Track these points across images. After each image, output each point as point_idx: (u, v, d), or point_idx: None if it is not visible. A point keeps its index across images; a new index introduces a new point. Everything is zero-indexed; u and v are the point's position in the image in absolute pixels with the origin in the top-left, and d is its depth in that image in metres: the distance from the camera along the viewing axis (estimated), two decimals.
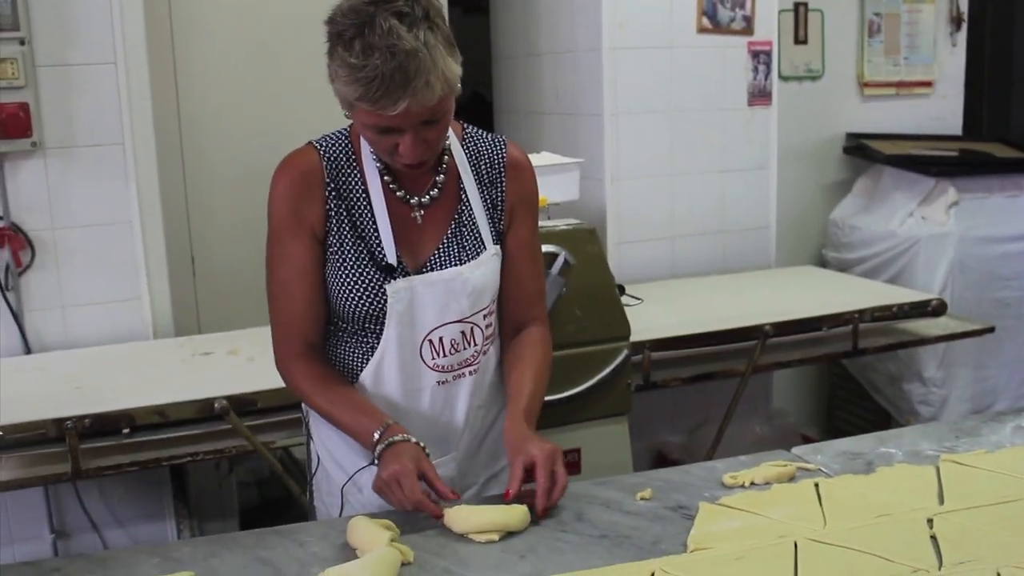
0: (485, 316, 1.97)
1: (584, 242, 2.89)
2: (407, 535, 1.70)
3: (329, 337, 1.99)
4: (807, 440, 3.94)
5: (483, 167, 1.99)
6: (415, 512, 1.73)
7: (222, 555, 1.69)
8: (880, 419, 4.45)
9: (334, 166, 1.92)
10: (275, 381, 2.57)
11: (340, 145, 1.94)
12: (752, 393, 3.85)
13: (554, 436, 2.79)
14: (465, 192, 1.97)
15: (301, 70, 3.75)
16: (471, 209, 1.96)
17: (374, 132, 1.78)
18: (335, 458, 2.02)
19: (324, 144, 1.94)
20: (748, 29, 4.06)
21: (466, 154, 1.99)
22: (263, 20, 3.94)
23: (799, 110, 4.57)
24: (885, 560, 1.55)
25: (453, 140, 1.98)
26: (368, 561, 1.57)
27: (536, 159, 2.81)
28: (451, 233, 1.95)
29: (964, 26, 4.91)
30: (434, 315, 1.92)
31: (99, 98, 3.21)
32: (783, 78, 4.47)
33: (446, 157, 1.96)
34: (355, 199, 1.91)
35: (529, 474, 1.79)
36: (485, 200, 1.98)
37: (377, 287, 1.88)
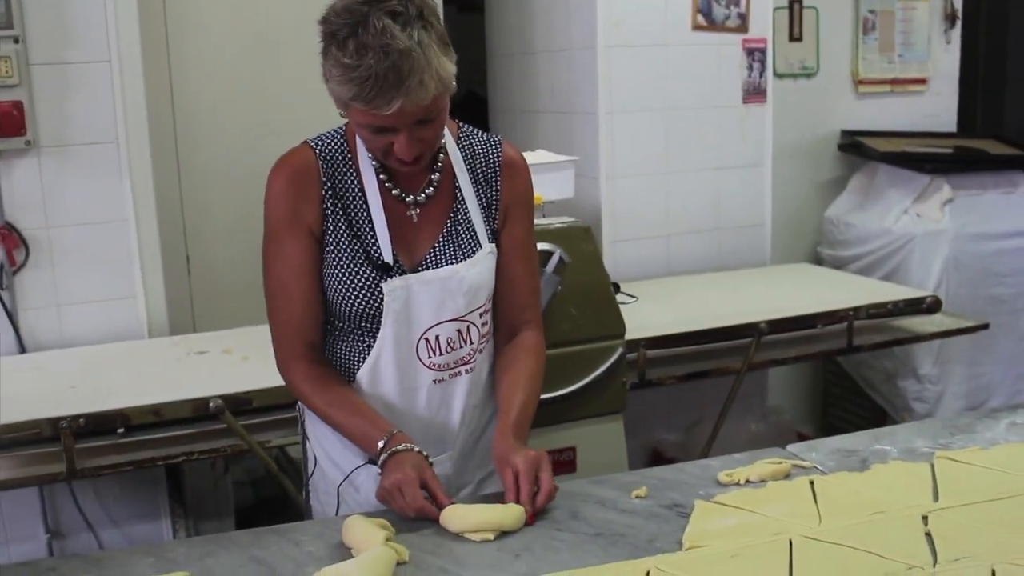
0: (481, 315, 1.97)
1: (579, 240, 2.89)
2: (402, 534, 1.70)
3: (326, 336, 1.99)
4: (802, 437, 3.95)
5: (478, 166, 1.99)
6: (417, 518, 1.73)
7: (218, 555, 1.69)
8: (875, 416, 4.46)
9: (330, 165, 1.91)
10: (270, 380, 2.58)
11: (336, 144, 1.94)
12: (747, 391, 3.85)
13: (549, 435, 2.81)
14: (460, 191, 1.97)
15: (296, 67, 3.75)
16: (466, 208, 1.96)
17: (368, 131, 1.78)
18: (331, 458, 2.01)
19: (320, 143, 1.94)
20: (743, 26, 4.06)
21: (461, 153, 1.99)
22: (258, 17, 3.94)
23: (794, 107, 4.57)
24: (880, 557, 1.56)
25: (448, 139, 1.98)
26: (363, 560, 1.57)
27: (531, 157, 2.81)
28: (447, 232, 1.95)
29: (958, 23, 4.92)
30: (430, 313, 1.92)
31: (93, 96, 3.21)
32: (778, 75, 4.48)
33: (441, 156, 1.96)
34: (351, 198, 1.91)
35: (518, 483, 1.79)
36: (480, 199, 1.98)
37: (373, 285, 1.88)
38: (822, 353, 3.59)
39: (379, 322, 1.90)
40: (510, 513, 1.72)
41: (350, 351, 1.96)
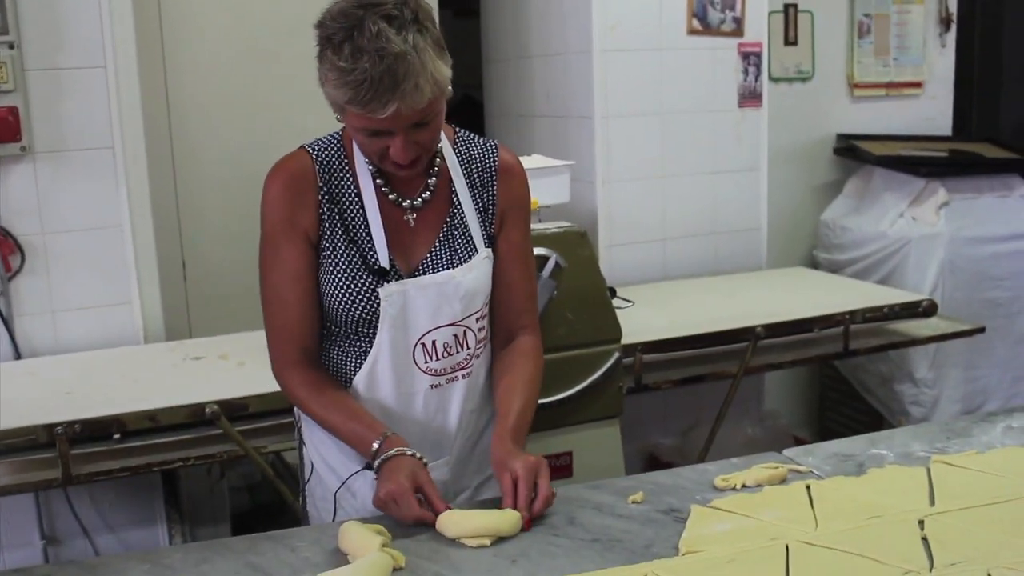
0: (478, 319, 1.97)
1: (575, 245, 2.89)
2: (399, 540, 1.70)
3: (322, 342, 1.99)
4: (799, 441, 3.95)
5: (475, 171, 2.00)
6: (415, 525, 1.73)
7: (214, 561, 1.69)
8: (872, 420, 4.46)
9: (327, 170, 1.92)
10: (266, 386, 2.57)
11: (333, 149, 1.94)
12: (744, 395, 3.85)
13: (546, 439, 2.81)
14: (457, 195, 1.97)
15: (292, 73, 3.75)
16: (463, 212, 1.96)
17: (364, 135, 1.79)
18: (328, 463, 2.01)
19: (316, 148, 1.94)
20: (738, 31, 4.07)
21: (458, 158, 1.99)
22: (254, 23, 3.94)
23: (789, 111, 4.58)
24: (877, 562, 1.56)
25: (445, 144, 1.98)
26: (359, 566, 1.57)
27: (527, 162, 2.81)
28: (443, 236, 1.95)
29: (953, 27, 4.93)
30: (427, 318, 1.92)
31: (89, 102, 3.20)
32: (773, 79, 4.48)
33: (438, 160, 1.97)
34: (348, 202, 1.91)
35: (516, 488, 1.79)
36: (477, 203, 1.98)
37: (370, 290, 1.88)
38: (818, 357, 3.59)
39: (376, 327, 1.90)
40: (507, 519, 1.72)
41: (347, 356, 1.95)
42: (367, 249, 1.90)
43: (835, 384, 4.72)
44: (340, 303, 1.89)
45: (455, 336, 1.94)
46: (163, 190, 3.69)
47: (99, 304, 3.28)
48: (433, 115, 1.78)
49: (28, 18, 3.09)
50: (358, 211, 1.91)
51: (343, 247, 1.90)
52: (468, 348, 1.97)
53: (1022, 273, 4.37)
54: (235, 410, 2.69)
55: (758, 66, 4.13)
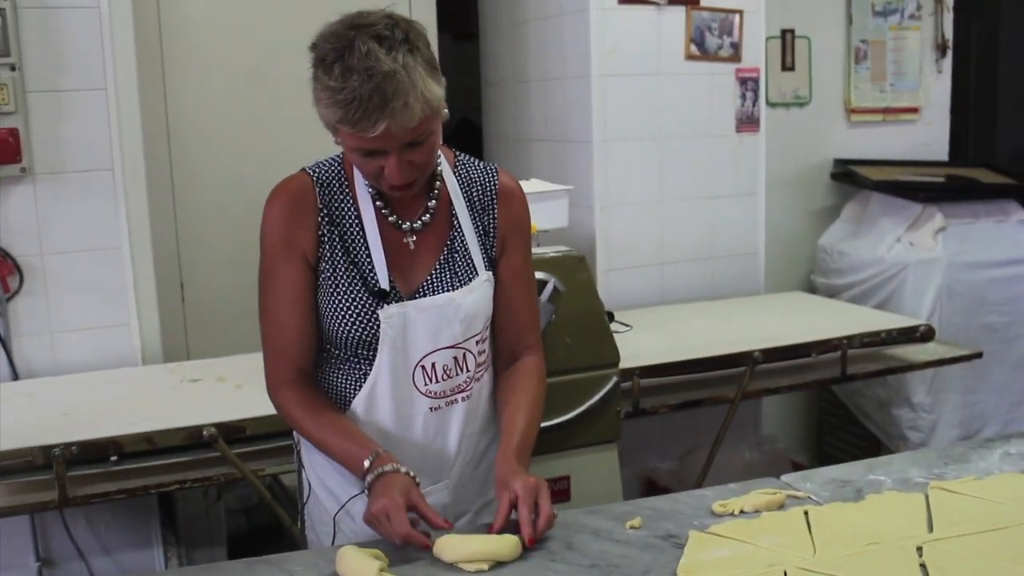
0: (478, 342, 1.98)
1: (573, 269, 2.89)
2: (396, 565, 1.69)
3: (321, 364, 1.99)
4: (797, 466, 3.95)
5: (475, 194, 2.00)
6: (405, 545, 1.73)
7: None
8: (870, 444, 4.46)
9: (327, 192, 1.92)
10: (264, 408, 2.56)
11: (333, 171, 1.95)
12: (741, 419, 3.84)
13: (543, 463, 2.80)
14: (457, 218, 1.98)
15: (291, 96, 3.75)
16: (463, 235, 1.97)
17: (359, 155, 1.80)
18: (327, 487, 2.01)
19: (317, 170, 1.95)
20: (736, 56, 4.09)
21: (458, 181, 2.00)
22: (253, 46, 3.96)
23: (787, 136, 4.59)
24: None
25: (445, 167, 1.99)
26: None
27: (525, 186, 2.80)
28: (443, 259, 1.96)
29: (949, 53, 4.95)
30: (427, 340, 1.92)
31: (89, 124, 3.21)
32: (771, 105, 4.50)
33: (438, 183, 1.97)
34: (348, 224, 1.92)
35: (515, 509, 1.78)
36: (477, 227, 1.99)
37: (370, 312, 1.89)
38: (816, 382, 3.59)
39: (375, 349, 1.90)
40: (505, 543, 1.71)
41: (346, 379, 1.96)
42: (367, 271, 1.90)
43: (833, 409, 4.72)
44: (340, 325, 1.90)
45: (455, 359, 1.94)
46: (162, 212, 3.70)
47: (97, 325, 3.28)
48: (426, 135, 1.79)
49: (29, 40, 3.11)
50: (358, 233, 1.92)
51: (343, 269, 1.90)
52: (468, 371, 1.97)
53: (1019, 298, 4.37)
54: (232, 432, 2.69)
55: (756, 91, 4.15)
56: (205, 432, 2.63)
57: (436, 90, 1.76)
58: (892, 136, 4.89)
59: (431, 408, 1.95)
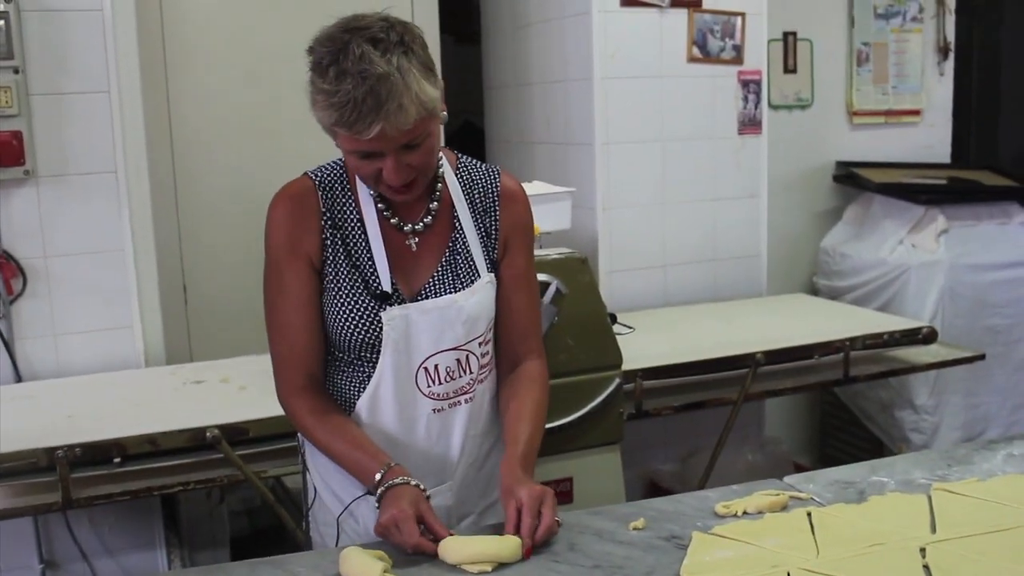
0: (480, 344, 1.98)
1: (576, 271, 2.89)
2: (400, 567, 1.69)
3: (326, 367, 1.99)
4: (799, 468, 3.94)
5: (477, 196, 2.01)
6: (416, 554, 1.73)
7: None
8: (872, 446, 4.46)
9: (329, 195, 1.93)
10: (267, 410, 2.58)
11: (335, 174, 1.95)
12: (744, 421, 3.85)
13: (546, 465, 2.80)
14: (459, 220, 1.98)
15: (295, 98, 3.72)
16: (465, 237, 1.97)
17: (357, 158, 1.80)
18: (331, 489, 2.01)
19: (319, 174, 1.95)
20: (738, 59, 4.09)
21: (460, 183, 2.00)
22: (256, 48, 3.96)
23: (789, 139, 4.60)
24: None
25: (447, 169, 1.99)
26: None
27: (528, 188, 2.81)
28: (446, 261, 1.96)
29: (951, 55, 4.96)
30: (429, 342, 1.92)
31: (92, 126, 3.22)
32: (773, 107, 4.51)
33: (440, 185, 1.98)
34: (350, 227, 1.92)
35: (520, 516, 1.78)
36: (479, 228, 1.99)
37: (372, 315, 1.89)
38: (818, 384, 3.59)
39: (378, 351, 1.90)
40: (507, 545, 1.71)
41: (350, 381, 1.96)
42: (369, 273, 1.90)
43: (835, 411, 4.72)
44: (343, 327, 1.90)
45: (458, 360, 1.95)
46: (165, 214, 3.71)
47: (100, 328, 3.29)
48: (423, 137, 1.79)
49: (32, 43, 3.12)
50: (360, 236, 1.92)
51: (345, 272, 1.91)
52: (471, 372, 1.97)
53: (1022, 300, 4.37)
54: (236, 434, 2.69)
55: (758, 94, 4.16)
56: (208, 434, 2.63)
57: (431, 92, 1.76)
58: (894, 138, 4.90)
59: (434, 410, 1.95)
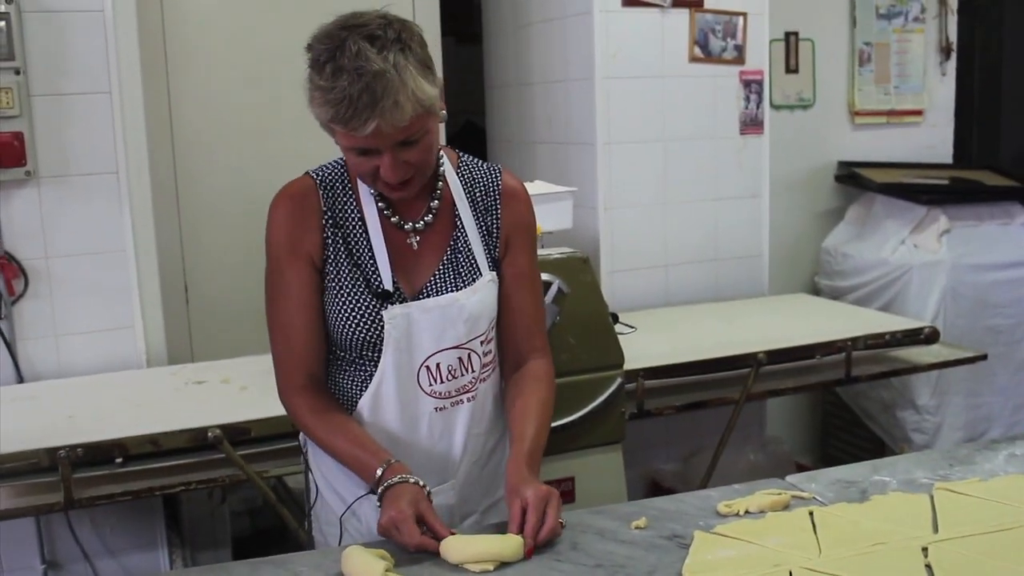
0: (482, 343, 1.98)
1: (577, 271, 2.89)
2: (402, 566, 1.69)
3: (328, 367, 1.99)
4: (801, 468, 3.94)
5: (478, 194, 2.01)
6: (417, 552, 1.73)
7: None
8: (874, 447, 4.45)
9: (330, 194, 1.93)
10: (269, 410, 2.58)
11: (336, 174, 1.96)
12: (746, 421, 3.84)
13: (548, 465, 2.78)
14: (460, 219, 1.98)
15: (295, 98, 3.73)
16: (466, 236, 1.97)
17: (354, 155, 1.81)
18: (334, 488, 2.01)
19: (320, 173, 1.95)
20: (739, 58, 4.09)
21: (461, 182, 2.00)
22: (257, 49, 3.96)
23: (791, 139, 4.60)
24: None
25: (448, 168, 1.99)
26: None
27: (529, 188, 2.81)
28: (447, 260, 1.96)
29: (953, 55, 4.96)
30: (431, 341, 1.92)
31: (93, 127, 3.22)
32: (775, 107, 4.50)
33: (440, 184, 1.98)
34: (351, 226, 1.92)
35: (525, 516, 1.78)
36: (480, 227, 1.99)
37: (374, 314, 1.89)
38: (820, 384, 3.59)
39: (380, 350, 1.90)
40: (509, 544, 1.71)
41: (352, 381, 1.96)
42: (371, 272, 1.90)
43: (837, 411, 4.71)
44: (344, 326, 1.90)
45: (459, 359, 1.95)
46: (166, 215, 3.71)
47: (102, 328, 3.29)
48: (421, 134, 1.79)
49: (34, 44, 3.12)
50: (361, 234, 1.92)
51: (347, 271, 1.90)
52: (473, 371, 1.97)
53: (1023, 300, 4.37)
54: (237, 434, 2.69)
55: (759, 94, 4.15)
56: (210, 434, 2.63)
57: (429, 90, 1.76)
58: (896, 138, 4.89)
59: (436, 408, 1.95)
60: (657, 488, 3.93)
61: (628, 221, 3.97)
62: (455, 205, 1.98)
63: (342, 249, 1.91)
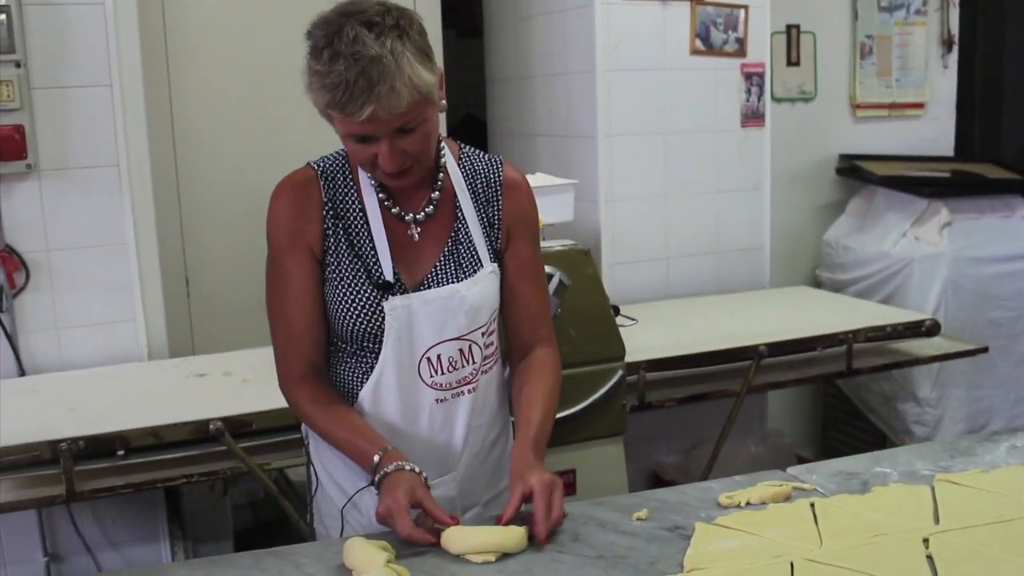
0: (483, 334, 1.98)
1: (579, 263, 2.90)
2: (404, 557, 1.69)
3: (328, 357, 1.99)
4: (802, 460, 3.94)
5: (479, 186, 2.01)
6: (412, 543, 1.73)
7: None
8: (875, 439, 4.46)
9: (331, 185, 1.93)
10: (270, 402, 2.58)
11: (337, 165, 1.95)
12: (747, 413, 3.85)
13: (549, 457, 2.78)
14: (461, 210, 1.98)
15: (296, 91, 3.73)
16: (467, 227, 1.97)
17: (352, 142, 1.80)
18: (335, 480, 2.01)
19: (321, 164, 1.95)
20: (741, 51, 4.09)
21: (462, 173, 2.00)
22: (258, 42, 3.96)
23: (792, 131, 4.60)
24: None
25: (449, 159, 1.99)
26: None
27: (531, 180, 2.81)
28: (448, 251, 1.96)
29: (955, 48, 4.95)
30: (432, 332, 1.92)
31: (94, 120, 3.22)
32: (776, 100, 4.50)
33: (441, 175, 1.97)
34: (352, 217, 1.92)
35: (528, 502, 1.78)
36: (481, 218, 1.99)
37: (375, 305, 1.89)
38: (821, 376, 3.59)
39: (381, 342, 1.90)
40: (511, 535, 1.71)
41: (352, 372, 1.96)
42: (371, 263, 1.90)
43: (838, 403, 4.72)
44: (345, 318, 1.90)
45: (460, 351, 1.95)
46: (167, 208, 3.71)
47: (103, 321, 3.29)
48: (418, 122, 1.78)
49: (34, 37, 3.11)
50: (362, 225, 1.92)
51: (348, 262, 1.90)
52: (474, 363, 1.97)
53: None
54: (239, 427, 2.69)
55: (761, 86, 4.15)
56: (211, 426, 2.63)
57: (426, 76, 1.76)
58: (897, 131, 4.89)
59: (437, 400, 1.95)
60: (658, 480, 3.93)
61: (629, 213, 3.97)
62: (456, 196, 1.98)
63: (343, 240, 1.91)
